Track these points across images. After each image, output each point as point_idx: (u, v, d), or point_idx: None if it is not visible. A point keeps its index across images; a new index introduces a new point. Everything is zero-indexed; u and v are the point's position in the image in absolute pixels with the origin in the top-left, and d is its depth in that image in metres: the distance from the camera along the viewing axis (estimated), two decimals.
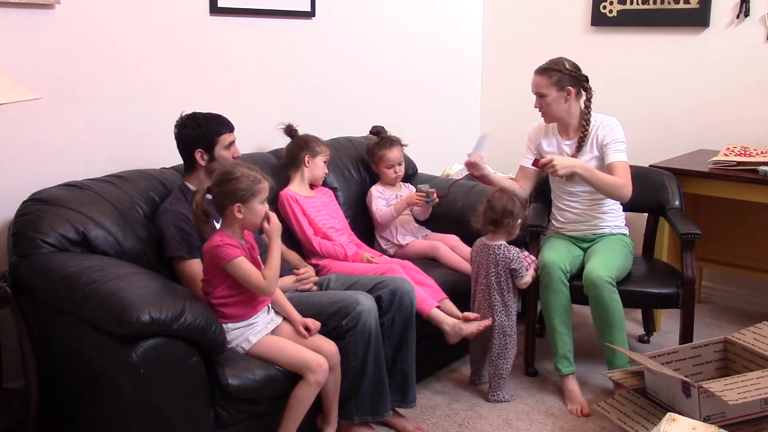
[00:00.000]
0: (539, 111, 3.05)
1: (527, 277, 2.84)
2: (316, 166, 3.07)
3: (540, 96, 2.99)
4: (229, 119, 2.64)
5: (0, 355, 2.48)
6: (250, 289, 2.25)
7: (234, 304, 2.29)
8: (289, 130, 3.16)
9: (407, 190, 3.40)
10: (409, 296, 2.60)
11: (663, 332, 3.51)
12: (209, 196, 2.30)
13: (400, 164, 3.32)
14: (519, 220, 2.81)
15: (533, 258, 2.92)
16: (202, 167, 2.60)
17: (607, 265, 2.83)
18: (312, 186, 3.12)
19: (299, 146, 3.07)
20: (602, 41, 4.02)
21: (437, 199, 3.18)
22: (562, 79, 2.95)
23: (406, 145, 3.39)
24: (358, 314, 2.42)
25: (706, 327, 3.57)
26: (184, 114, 2.62)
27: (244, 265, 2.21)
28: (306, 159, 3.04)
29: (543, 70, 2.98)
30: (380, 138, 3.35)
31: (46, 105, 2.57)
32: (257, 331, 2.32)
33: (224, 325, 2.27)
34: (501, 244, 2.81)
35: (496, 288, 2.81)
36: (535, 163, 2.97)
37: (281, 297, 2.43)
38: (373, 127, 3.43)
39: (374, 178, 3.41)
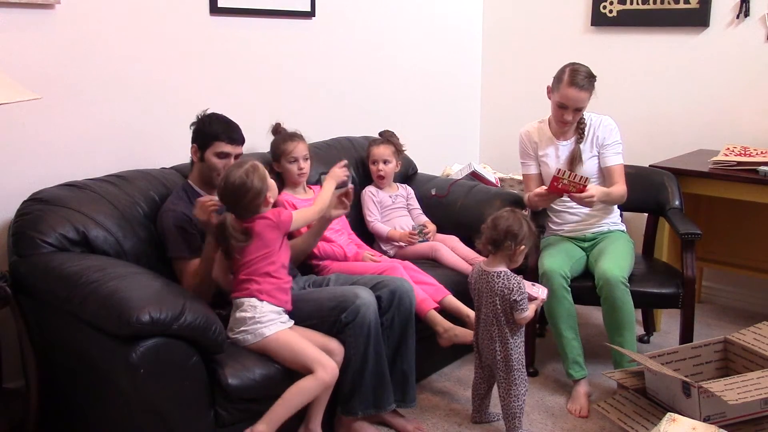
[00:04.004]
0: (565, 124, 3.01)
1: (528, 312, 2.51)
2: (285, 170, 2.96)
3: (577, 110, 2.95)
4: (242, 132, 2.63)
5: (0, 355, 2.48)
6: (315, 212, 2.53)
7: (276, 286, 2.37)
8: (275, 130, 3.06)
9: (404, 191, 3.39)
10: (408, 296, 2.60)
11: (663, 332, 3.51)
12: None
13: (384, 162, 3.29)
14: (523, 246, 2.51)
15: (544, 291, 2.63)
16: (196, 164, 2.62)
17: (620, 264, 2.83)
18: (309, 186, 3.10)
19: (271, 154, 3.02)
20: (602, 41, 4.02)
21: (430, 237, 3.22)
22: (595, 86, 2.95)
23: (402, 150, 3.39)
24: (357, 308, 2.41)
25: (706, 327, 3.57)
26: (208, 110, 2.63)
27: (297, 213, 2.47)
28: (275, 167, 2.98)
29: (585, 87, 2.89)
30: (378, 137, 3.37)
31: (46, 105, 2.57)
32: (283, 321, 2.36)
33: (259, 303, 2.32)
34: (501, 272, 2.51)
35: (495, 319, 2.54)
36: (569, 195, 2.88)
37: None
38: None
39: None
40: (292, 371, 2.31)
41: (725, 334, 2.69)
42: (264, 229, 2.35)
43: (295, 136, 2.98)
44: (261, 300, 2.34)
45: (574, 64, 2.96)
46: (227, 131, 2.58)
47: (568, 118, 2.96)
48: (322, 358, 2.31)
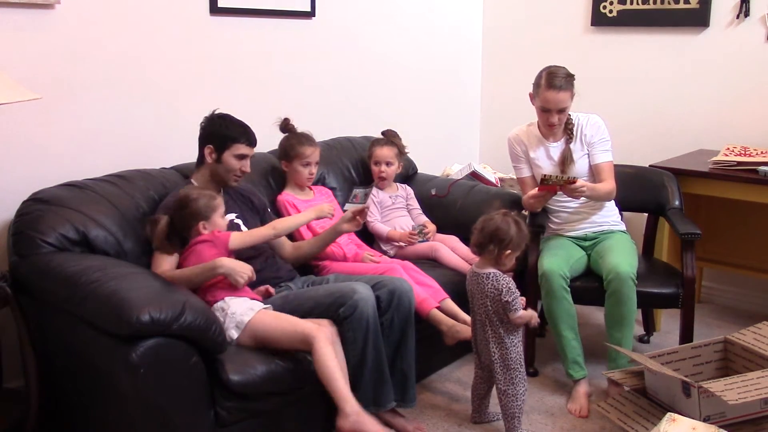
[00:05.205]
0: (553, 127, 3.02)
1: (522, 311, 2.50)
2: (294, 171, 2.98)
3: (561, 111, 2.97)
4: (256, 135, 2.66)
5: (0, 355, 2.48)
6: (260, 238, 2.53)
7: (231, 289, 2.40)
8: (284, 126, 3.07)
9: (404, 192, 3.40)
10: (408, 296, 2.59)
11: (663, 332, 3.51)
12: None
13: (387, 164, 3.28)
14: (509, 251, 2.47)
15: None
16: (208, 165, 2.62)
17: (629, 262, 2.84)
18: (309, 186, 3.10)
19: (280, 151, 3.03)
20: (602, 41, 4.02)
21: (430, 237, 3.22)
22: (574, 86, 2.96)
23: (405, 153, 3.38)
24: (355, 303, 2.41)
25: (706, 327, 3.57)
26: (217, 110, 2.64)
27: (237, 235, 2.48)
28: (283, 165, 3.01)
29: (563, 87, 2.92)
30: (381, 136, 3.36)
31: (46, 105, 2.57)
32: (254, 308, 2.37)
33: (224, 303, 2.35)
34: (490, 273, 2.49)
35: (488, 320, 2.52)
36: (560, 189, 2.88)
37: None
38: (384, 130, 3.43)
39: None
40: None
41: (725, 334, 2.68)
42: (203, 248, 2.42)
43: (312, 140, 3.01)
44: (224, 299, 2.37)
45: (550, 67, 2.99)
46: (246, 134, 2.64)
47: (553, 121, 2.98)
48: (311, 324, 2.32)
